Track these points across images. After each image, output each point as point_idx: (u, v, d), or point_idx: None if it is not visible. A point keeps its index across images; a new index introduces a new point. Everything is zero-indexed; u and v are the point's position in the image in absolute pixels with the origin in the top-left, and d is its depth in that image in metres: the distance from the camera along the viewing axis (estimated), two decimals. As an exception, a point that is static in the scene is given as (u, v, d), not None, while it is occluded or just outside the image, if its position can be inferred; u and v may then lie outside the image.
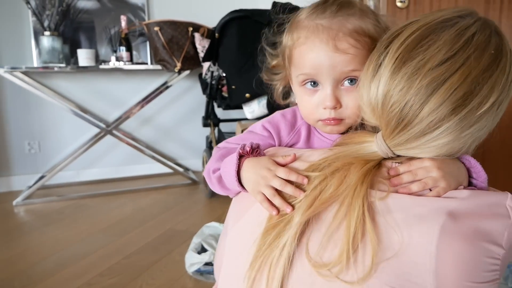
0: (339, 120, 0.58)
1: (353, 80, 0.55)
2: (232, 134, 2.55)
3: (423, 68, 0.45)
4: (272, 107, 2.13)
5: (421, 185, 0.49)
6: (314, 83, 0.57)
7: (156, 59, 2.40)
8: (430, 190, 0.49)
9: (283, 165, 0.54)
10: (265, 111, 2.14)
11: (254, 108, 2.14)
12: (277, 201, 0.51)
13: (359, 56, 0.54)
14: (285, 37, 0.61)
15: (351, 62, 0.54)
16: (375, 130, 0.53)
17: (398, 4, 1.86)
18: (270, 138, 0.64)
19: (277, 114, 0.67)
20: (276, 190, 0.52)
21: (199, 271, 1.43)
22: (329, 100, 0.56)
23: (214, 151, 0.67)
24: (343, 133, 0.60)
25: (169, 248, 1.68)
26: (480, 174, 0.53)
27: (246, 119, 2.31)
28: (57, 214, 2.10)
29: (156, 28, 2.28)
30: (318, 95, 0.57)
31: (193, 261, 1.42)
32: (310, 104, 0.59)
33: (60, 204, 2.26)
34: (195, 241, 1.51)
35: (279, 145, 0.64)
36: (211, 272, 1.43)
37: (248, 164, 0.55)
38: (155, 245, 1.72)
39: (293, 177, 0.51)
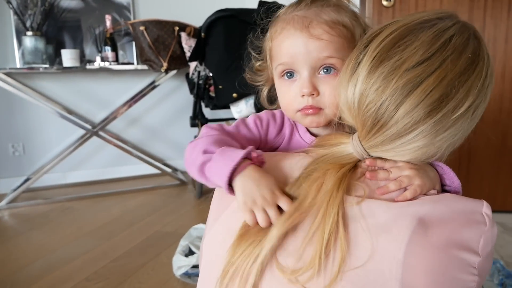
0: (317, 109, 0.57)
1: (329, 69, 0.55)
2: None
3: (399, 68, 0.45)
4: (260, 107, 2.12)
5: (397, 184, 0.48)
6: (292, 74, 0.58)
7: (142, 59, 2.37)
8: (406, 189, 0.49)
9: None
10: (252, 110, 2.13)
11: (242, 108, 2.13)
12: (265, 224, 0.49)
13: (334, 43, 0.54)
14: (266, 36, 0.62)
15: (325, 48, 0.54)
16: (352, 131, 0.53)
17: (384, 3, 1.86)
18: (258, 136, 0.64)
19: (268, 114, 0.66)
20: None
21: (186, 274, 1.41)
22: (306, 86, 0.56)
23: (205, 130, 0.63)
24: (324, 127, 0.61)
25: (157, 251, 1.66)
26: (453, 180, 0.53)
27: (234, 118, 2.30)
28: (42, 218, 2.07)
29: (142, 28, 2.25)
30: (296, 84, 0.57)
31: (180, 264, 1.41)
32: (289, 95, 0.59)
33: (45, 207, 2.22)
34: (183, 243, 1.50)
35: (263, 145, 0.64)
36: (198, 275, 1.42)
37: (252, 174, 0.50)
38: (143, 248, 1.70)
39: (292, 211, 0.49)
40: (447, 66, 0.44)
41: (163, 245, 1.72)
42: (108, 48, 2.39)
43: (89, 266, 1.55)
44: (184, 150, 2.45)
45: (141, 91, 2.50)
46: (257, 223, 0.49)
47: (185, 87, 2.76)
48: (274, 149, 0.65)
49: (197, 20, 2.42)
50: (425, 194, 0.49)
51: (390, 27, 0.49)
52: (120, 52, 2.56)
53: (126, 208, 2.19)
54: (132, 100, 2.50)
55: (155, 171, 2.72)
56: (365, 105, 0.47)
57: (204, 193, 2.36)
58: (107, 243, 1.75)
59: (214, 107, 2.27)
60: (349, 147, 0.51)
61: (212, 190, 2.18)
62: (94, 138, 2.44)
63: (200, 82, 2.22)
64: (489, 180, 1.88)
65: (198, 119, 2.39)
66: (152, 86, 2.49)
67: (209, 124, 0.66)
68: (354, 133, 0.52)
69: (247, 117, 0.67)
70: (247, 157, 0.52)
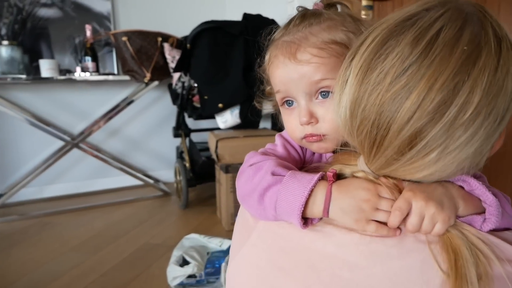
0: (319, 136, 0.54)
1: (326, 93, 0.52)
2: (204, 144, 2.53)
3: (383, 82, 0.40)
4: (245, 116, 2.15)
5: (429, 224, 0.43)
6: (291, 102, 0.55)
7: (124, 69, 2.35)
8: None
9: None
10: (238, 120, 2.15)
11: (227, 118, 2.15)
12: (397, 219, 0.43)
13: (325, 64, 0.50)
14: (265, 59, 0.60)
15: (317, 71, 0.51)
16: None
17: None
18: (302, 156, 0.62)
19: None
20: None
21: (181, 284, 1.40)
22: (303, 115, 0.53)
23: (259, 156, 0.57)
24: (334, 152, 0.56)
25: (147, 263, 1.64)
26: (486, 196, 0.45)
27: (218, 128, 2.32)
28: (21, 234, 1.99)
29: (124, 38, 2.23)
30: (295, 112, 0.55)
31: (175, 274, 1.39)
32: (290, 123, 0.56)
33: (23, 223, 2.14)
34: (176, 254, 1.49)
35: (304, 164, 0.62)
36: (194, 285, 1.41)
37: (340, 189, 0.46)
38: (132, 261, 1.67)
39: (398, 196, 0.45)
40: (437, 68, 0.37)
41: (153, 257, 1.69)
42: (88, 58, 2.35)
43: (78, 282, 1.50)
44: (165, 161, 2.45)
45: (122, 102, 2.47)
46: (383, 224, 0.44)
47: (166, 98, 2.75)
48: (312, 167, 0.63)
49: (178, 30, 2.44)
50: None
51: (373, 33, 0.43)
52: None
53: (110, 221, 2.14)
54: (113, 111, 2.46)
55: (137, 182, 2.67)
56: (357, 127, 0.43)
57: (190, 204, 2.34)
58: (94, 258, 1.71)
59: (199, 117, 2.27)
60: (358, 169, 0.48)
61: (199, 201, 2.18)
62: (72, 150, 2.37)
63: (184, 92, 2.23)
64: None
65: (181, 130, 2.39)
66: (133, 98, 2.46)
67: (253, 152, 0.61)
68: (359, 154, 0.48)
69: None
70: (322, 179, 0.48)
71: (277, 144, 0.61)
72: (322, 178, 0.47)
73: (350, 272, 0.44)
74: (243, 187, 0.55)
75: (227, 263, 1.36)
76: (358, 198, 0.44)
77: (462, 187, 0.46)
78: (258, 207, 0.51)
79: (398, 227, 0.44)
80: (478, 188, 0.45)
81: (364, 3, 1.97)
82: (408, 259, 0.42)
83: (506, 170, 1.97)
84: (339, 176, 0.49)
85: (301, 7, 0.58)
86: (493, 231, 0.44)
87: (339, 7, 0.60)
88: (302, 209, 0.46)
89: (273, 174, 0.50)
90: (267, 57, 0.58)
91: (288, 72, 0.52)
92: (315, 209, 0.46)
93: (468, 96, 0.37)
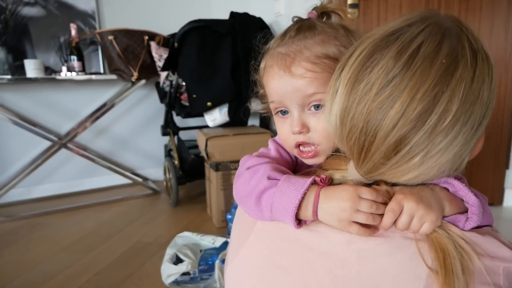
0: (312, 148, 0.57)
1: (318, 106, 0.55)
2: (192, 141, 2.55)
3: (370, 92, 0.43)
4: (234, 115, 2.18)
5: (417, 223, 0.47)
6: (284, 112, 0.58)
7: (111, 68, 2.34)
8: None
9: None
10: (226, 118, 2.18)
11: (216, 116, 2.17)
12: (378, 219, 0.48)
13: (318, 79, 0.53)
14: (261, 66, 0.62)
15: (310, 86, 0.53)
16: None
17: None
18: (294, 159, 0.65)
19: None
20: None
21: (176, 282, 1.43)
22: (295, 125, 0.56)
23: (253, 159, 0.60)
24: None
25: (140, 261, 1.66)
26: (468, 197, 0.49)
27: (207, 126, 2.34)
28: (11, 235, 1.98)
29: (111, 37, 2.23)
30: (288, 121, 0.58)
31: (170, 272, 1.42)
32: (283, 131, 0.59)
33: (12, 225, 2.13)
34: (169, 252, 1.52)
35: (295, 167, 0.65)
36: (188, 282, 1.45)
37: (327, 192, 0.49)
38: (125, 259, 1.69)
39: (379, 198, 0.48)
40: (418, 79, 0.41)
41: (146, 255, 1.72)
42: (74, 57, 2.33)
43: (72, 281, 1.52)
44: (154, 159, 2.46)
45: (109, 101, 2.46)
46: (365, 226, 0.48)
47: (153, 97, 2.76)
48: (300, 170, 0.66)
49: (163, 29, 2.44)
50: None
51: (360, 46, 0.47)
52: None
53: (101, 220, 2.15)
54: (100, 110, 2.46)
55: (126, 181, 2.68)
56: (346, 134, 0.46)
57: (180, 202, 2.37)
58: (87, 257, 1.72)
59: (187, 115, 2.29)
60: (348, 173, 0.51)
61: (188, 199, 2.21)
62: (60, 150, 2.37)
63: (172, 91, 2.24)
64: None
65: (169, 128, 2.40)
66: (122, 96, 2.46)
67: (248, 155, 0.63)
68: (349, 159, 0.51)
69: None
70: (314, 183, 0.51)
71: (271, 149, 0.64)
72: (314, 182, 0.50)
73: (343, 269, 0.48)
74: (240, 189, 0.58)
75: (221, 260, 1.40)
76: (340, 200, 0.48)
77: (447, 189, 0.50)
78: (255, 209, 0.54)
79: (377, 228, 0.48)
80: (462, 190, 0.49)
81: (349, 1, 2.01)
82: (397, 255, 0.46)
83: (480, 172, 2.06)
84: (331, 181, 0.52)
85: (297, 17, 0.60)
86: (474, 228, 0.48)
87: (333, 16, 0.63)
88: (296, 211, 0.49)
89: (269, 178, 0.53)
90: (262, 65, 0.60)
91: (283, 84, 0.55)
92: (307, 212, 0.50)
93: (447, 105, 0.41)
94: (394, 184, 0.50)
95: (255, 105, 2.22)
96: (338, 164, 0.53)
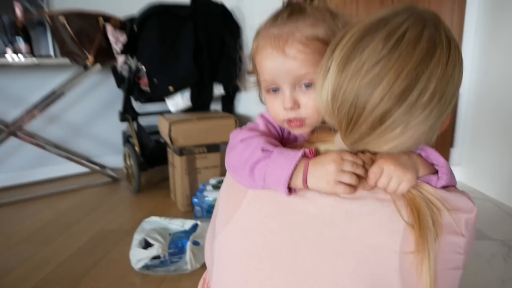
0: (301, 121, 0.61)
1: (309, 85, 0.59)
2: (152, 127, 2.50)
3: (361, 70, 0.48)
4: (196, 99, 2.16)
5: (395, 182, 0.52)
6: (276, 89, 0.62)
7: (63, 51, 2.22)
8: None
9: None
10: (188, 103, 2.16)
11: (178, 101, 2.14)
12: (360, 170, 0.53)
13: (309, 60, 0.57)
14: (251, 46, 0.65)
15: (302, 66, 0.57)
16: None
17: None
18: (280, 133, 0.68)
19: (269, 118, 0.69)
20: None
21: (146, 266, 1.42)
22: (287, 101, 0.60)
23: (244, 132, 0.64)
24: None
25: (106, 249, 1.63)
26: (438, 159, 0.57)
27: (166, 112, 2.30)
28: (-42, 230, 1.85)
29: (62, 19, 2.11)
30: (280, 98, 0.61)
31: (139, 256, 1.41)
32: (274, 107, 0.63)
33: (-43, 219, 1.99)
34: (137, 237, 1.50)
35: (282, 141, 0.68)
36: (158, 266, 1.44)
37: (313, 164, 0.54)
38: (89, 248, 1.65)
39: (358, 160, 0.54)
40: (403, 60, 0.46)
41: (110, 243, 1.68)
42: (20, 39, 2.19)
43: (33, 274, 1.46)
44: (111, 146, 2.41)
45: (62, 86, 2.34)
46: (350, 185, 0.53)
47: (109, 81, 2.65)
48: (286, 143, 0.70)
49: (116, 11, 2.34)
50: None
51: (351, 29, 0.52)
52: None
53: (58, 211, 2.07)
54: (51, 97, 2.33)
55: (82, 170, 2.58)
56: (337, 107, 0.51)
57: (142, 188, 2.32)
58: (47, 249, 1.65)
59: (147, 100, 2.24)
60: (335, 144, 0.56)
61: (150, 185, 2.19)
62: (8, 138, 2.22)
63: (131, 75, 2.17)
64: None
65: (128, 114, 2.33)
66: (76, 81, 2.34)
67: (238, 129, 0.67)
68: (336, 131, 0.55)
69: (262, 115, 0.70)
70: (303, 155, 0.55)
71: (259, 123, 0.68)
72: (304, 154, 0.55)
73: (330, 229, 0.53)
74: (234, 160, 0.61)
75: (192, 242, 1.41)
76: (326, 163, 0.53)
77: (420, 155, 0.58)
78: (248, 178, 0.58)
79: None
80: (432, 154, 0.57)
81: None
82: (377, 214, 0.52)
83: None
84: (318, 153, 0.57)
85: (288, 1, 0.63)
86: (444, 187, 0.56)
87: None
88: (289, 180, 0.54)
89: (263, 149, 0.57)
90: (254, 44, 0.62)
91: (277, 64, 0.58)
92: (298, 181, 0.54)
93: (426, 83, 0.47)
94: (375, 154, 0.55)
95: (216, 89, 2.23)
96: (325, 137, 0.58)
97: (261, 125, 0.67)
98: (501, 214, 1.89)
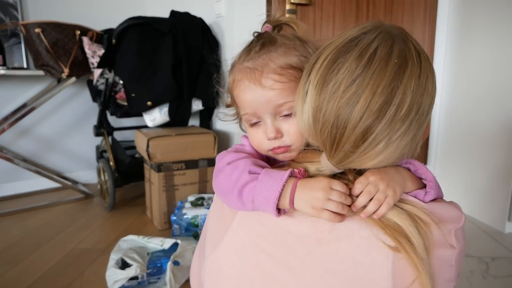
0: (286, 148, 0.62)
1: (289, 113, 0.60)
2: (129, 142, 2.46)
3: (338, 90, 0.49)
4: (175, 115, 2.14)
5: (376, 203, 0.53)
6: (257, 122, 0.63)
7: (37, 63, 2.16)
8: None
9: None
10: (166, 118, 2.14)
11: (156, 116, 2.12)
12: (346, 210, 0.53)
13: (286, 89, 0.59)
14: (228, 79, 0.66)
15: (280, 96, 0.59)
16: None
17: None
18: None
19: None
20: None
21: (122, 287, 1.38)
22: (269, 131, 0.61)
23: (231, 154, 0.64)
24: None
25: (79, 270, 1.57)
26: (426, 174, 0.58)
27: (143, 126, 2.27)
28: None
29: (38, 30, 2.06)
30: (262, 129, 0.62)
31: (116, 277, 1.36)
32: (257, 138, 0.64)
33: None
34: (114, 257, 1.45)
35: (268, 160, 0.68)
36: (135, 286, 1.40)
37: (301, 186, 0.54)
38: (61, 268, 1.58)
39: (348, 190, 0.54)
40: (377, 77, 0.48)
41: (84, 263, 1.62)
42: (-8, 50, 2.12)
43: (1, 296, 1.38)
44: (84, 161, 2.37)
45: (35, 99, 2.27)
46: (335, 213, 0.52)
47: (83, 94, 2.60)
48: (273, 163, 0.70)
49: (93, 24, 2.32)
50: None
51: (324, 52, 0.53)
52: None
53: (28, 228, 1.98)
54: (23, 110, 2.26)
55: (52, 185, 2.49)
56: (320, 129, 0.52)
57: (116, 205, 2.26)
58: (16, 268, 1.58)
59: (124, 115, 2.20)
60: (321, 165, 0.56)
61: (125, 202, 2.16)
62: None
63: (107, 89, 2.14)
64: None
65: (103, 128, 2.28)
66: (50, 94, 2.28)
67: (224, 151, 0.67)
68: (322, 151, 0.56)
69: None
70: (291, 175, 0.55)
71: (245, 144, 0.68)
72: (291, 175, 0.55)
73: (321, 248, 0.54)
74: (222, 184, 0.61)
75: (173, 262, 1.38)
76: (314, 189, 0.53)
77: (409, 169, 0.59)
78: (237, 201, 0.58)
79: (346, 216, 0.54)
80: (421, 168, 0.58)
81: (287, 7, 2.10)
82: (367, 232, 0.53)
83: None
84: (306, 174, 0.57)
85: (256, 32, 0.65)
86: (431, 201, 0.57)
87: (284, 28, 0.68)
88: (277, 202, 0.54)
89: (250, 172, 0.57)
90: (230, 79, 0.64)
91: (255, 96, 0.59)
92: (285, 202, 0.55)
93: (402, 97, 0.48)
94: (359, 172, 0.56)
95: (194, 104, 2.22)
96: (310, 157, 0.59)
97: (247, 146, 0.67)
98: (475, 230, 1.96)
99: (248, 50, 0.62)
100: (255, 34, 0.65)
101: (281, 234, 0.56)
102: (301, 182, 0.54)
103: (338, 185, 0.53)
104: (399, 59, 0.49)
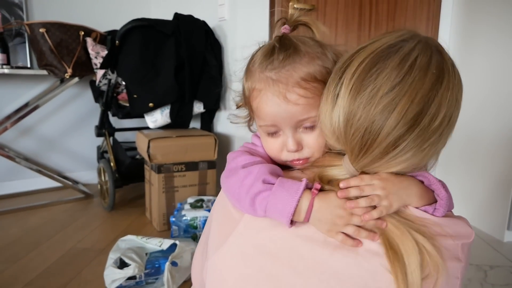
0: (305, 160, 0.61)
1: (311, 127, 0.59)
2: (130, 143, 2.47)
3: (375, 96, 0.49)
4: (176, 116, 2.15)
5: (368, 201, 0.52)
6: (276, 132, 0.61)
7: (41, 63, 2.17)
8: (375, 207, 0.53)
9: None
10: (168, 120, 2.15)
11: (157, 117, 2.13)
12: (364, 234, 0.53)
13: (311, 104, 0.57)
14: (244, 83, 0.63)
15: (303, 111, 0.57)
16: (340, 152, 0.58)
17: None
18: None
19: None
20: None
21: (120, 287, 1.38)
22: (290, 144, 0.60)
23: (243, 157, 0.62)
24: None
25: (77, 269, 1.57)
26: (439, 191, 0.56)
27: (145, 128, 2.28)
28: None
29: (42, 30, 2.07)
30: (281, 139, 0.61)
31: (115, 277, 1.37)
32: (275, 148, 0.62)
33: None
34: (113, 256, 1.45)
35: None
36: (133, 286, 1.40)
37: (320, 205, 0.54)
38: (60, 267, 1.58)
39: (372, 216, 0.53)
40: (416, 86, 0.48)
41: (82, 262, 1.62)
42: (-3, 49, 2.13)
43: (-1, 293, 1.39)
44: (85, 161, 2.36)
45: (37, 99, 2.29)
46: (351, 238, 0.53)
47: (86, 95, 2.62)
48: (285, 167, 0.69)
49: (97, 25, 2.34)
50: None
51: (359, 56, 0.52)
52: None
53: (27, 227, 1.98)
54: (25, 108, 2.27)
55: (53, 184, 2.50)
56: (351, 134, 0.51)
57: (116, 206, 2.27)
58: (15, 266, 1.58)
59: (125, 116, 2.21)
60: (342, 168, 0.55)
61: (124, 203, 2.15)
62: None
63: (109, 90, 2.15)
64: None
65: (105, 129, 2.30)
66: (52, 94, 2.30)
67: (237, 151, 0.66)
68: (343, 154, 0.56)
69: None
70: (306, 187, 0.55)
71: (258, 145, 0.67)
72: (307, 186, 0.54)
73: (328, 252, 0.53)
74: (233, 187, 0.60)
75: (171, 263, 1.38)
76: (334, 214, 0.53)
77: (422, 182, 0.58)
78: (249, 208, 0.57)
79: (361, 241, 0.53)
80: (435, 184, 0.57)
81: (290, 12, 2.11)
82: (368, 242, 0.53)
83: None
84: (322, 180, 0.57)
85: (277, 36, 0.62)
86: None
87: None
88: (291, 217, 0.53)
89: (264, 181, 0.56)
90: (249, 85, 0.61)
91: (279, 111, 0.58)
92: (300, 217, 0.54)
93: (437, 108, 0.49)
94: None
95: (195, 107, 2.23)
96: (331, 161, 0.58)
97: (260, 148, 0.66)
98: (475, 238, 1.95)
99: (270, 57, 0.59)
100: (275, 38, 0.62)
101: (289, 237, 0.56)
102: (319, 201, 0.54)
103: (359, 211, 0.53)
104: (437, 70, 0.50)
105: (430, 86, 0.49)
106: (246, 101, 0.64)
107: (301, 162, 0.62)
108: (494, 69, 1.97)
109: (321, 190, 0.56)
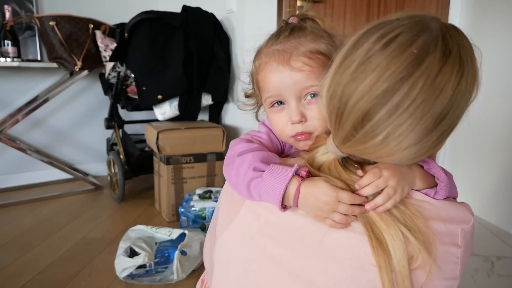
0: (308, 134, 0.62)
1: (313, 95, 0.60)
2: (139, 135, 2.49)
3: (350, 67, 0.49)
4: (184, 109, 2.17)
5: (385, 197, 0.53)
6: (280, 103, 0.63)
7: (51, 56, 2.20)
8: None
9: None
10: (176, 112, 2.16)
11: (166, 109, 2.15)
12: (351, 221, 0.54)
13: (314, 72, 0.59)
14: (252, 66, 0.66)
15: (307, 79, 0.59)
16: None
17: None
18: (282, 146, 0.70)
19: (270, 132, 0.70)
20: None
21: (130, 275, 1.41)
22: (295, 115, 0.60)
23: (244, 144, 0.64)
24: None
25: (89, 258, 1.60)
26: (439, 174, 0.57)
27: (153, 120, 2.30)
28: None
29: (52, 23, 2.10)
30: (285, 112, 0.62)
31: (125, 265, 1.40)
32: (280, 122, 0.63)
33: None
34: (123, 245, 1.48)
35: (282, 153, 0.70)
36: (143, 275, 1.43)
37: (307, 191, 0.54)
38: (72, 256, 1.62)
39: (357, 200, 0.54)
40: (389, 62, 0.46)
41: (94, 251, 1.66)
42: (8, 42, 2.16)
43: (13, 281, 1.42)
44: (94, 154, 2.39)
45: (47, 92, 2.32)
46: (339, 223, 0.54)
47: (95, 88, 2.64)
48: (286, 155, 0.71)
49: (106, 18, 2.35)
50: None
51: (352, 37, 0.52)
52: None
53: (40, 217, 2.02)
54: (36, 101, 2.31)
55: (64, 176, 2.54)
56: (328, 99, 0.52)
57: (125, 197, 2.30)
58: (27, 256, 1.62)
59: (134, 108, 2.23)
60: (327, 147, 0.56)
61: (133, 194, 2.18)
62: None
63: (119, 82, 2.17)
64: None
65: (114, 121, 2.32)
66: (63, 87, 2.33)
67: (238, 138, 0.68)
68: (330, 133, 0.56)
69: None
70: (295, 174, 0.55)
71: (262, 132, 0.69)
72: (296, 172, 0.55)
73: (327, 234, 0.55)
74: (231, 174, 0.62)
75: (180, 251, 1.40)
76: (320, 201, 0.53)
77: (422, 166, 0.59)
78: (246, 194, 0.60)
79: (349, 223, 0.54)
80: (434, 168, 0.58)
81: (298, 3, 2.11)
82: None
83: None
84: (312, 165, 0.58)
85: (284, 21, 0.66)
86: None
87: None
88: (281, 201, 0.55)
89: (254, 169, 0.58)
90: (256, 63, 0.64)
91: (283, 77, 0.60)
92: (289, 202, 0.56)
93: (408, 90, 0.45)
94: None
95: (204, 99, 2.24)
96: (320, 141, 0.59)
97: (264, 134, 0.68)
98: (482, 230, 1.96)
99: (277, 35, 0.62)
100: (284, 23, 0.65)
101: (288, 221, 0.57)
102: (306, 188, 0.54)
103: (345, 198, 0.53)
104: (420, 50, 0.45)
105: (405, 65, 0.45)
106: (253, 80, 0.67)
107: (304, 137, 0.62)
108: (504, 60, 1.95)
109: (312, 175, 0.57)
